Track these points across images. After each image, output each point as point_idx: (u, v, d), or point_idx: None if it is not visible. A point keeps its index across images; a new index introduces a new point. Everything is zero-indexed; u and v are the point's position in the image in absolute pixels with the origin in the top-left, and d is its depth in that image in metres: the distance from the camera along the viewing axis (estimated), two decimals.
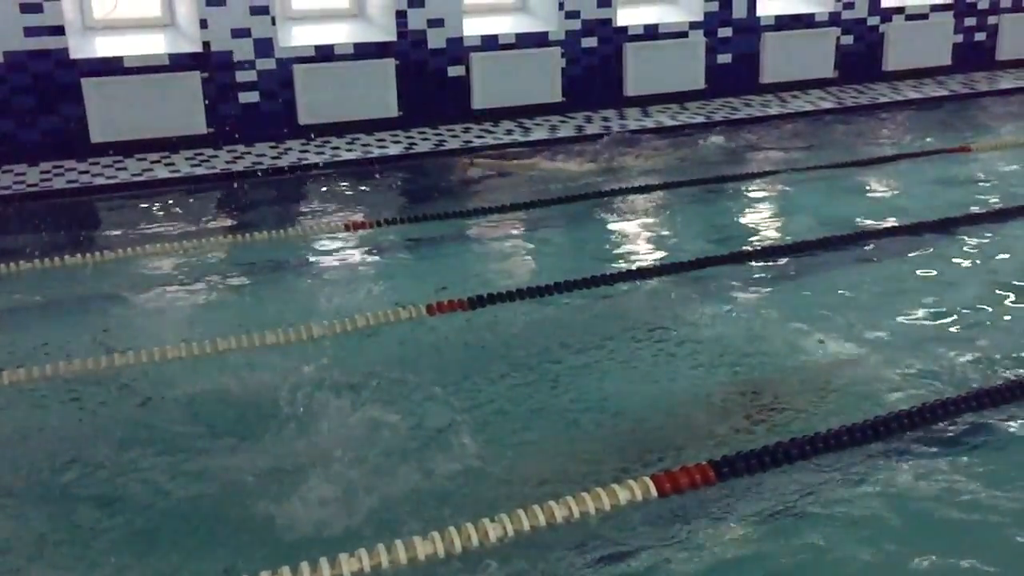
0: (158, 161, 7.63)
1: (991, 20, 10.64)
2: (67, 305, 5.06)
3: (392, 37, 8.42)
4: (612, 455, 3.39)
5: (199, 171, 7.42)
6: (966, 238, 5.65)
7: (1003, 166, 7.41)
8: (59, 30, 7.47)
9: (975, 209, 6.16)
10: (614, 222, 6.32)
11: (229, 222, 6.55)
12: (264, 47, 8.03)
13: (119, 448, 3.53)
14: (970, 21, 10.56)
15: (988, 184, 6.93)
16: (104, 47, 7.86)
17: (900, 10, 10.25)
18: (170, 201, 6.88)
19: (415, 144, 8.09)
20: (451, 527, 2.83)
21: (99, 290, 5.24)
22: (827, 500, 3.11)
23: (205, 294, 5.17)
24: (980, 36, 10.66)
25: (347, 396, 3.77)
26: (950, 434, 3.48)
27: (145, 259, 5.59)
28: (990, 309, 4.62)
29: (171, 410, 3.83)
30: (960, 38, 10.54)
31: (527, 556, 2.84)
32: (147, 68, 7.74)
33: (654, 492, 2.99)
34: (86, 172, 7.37)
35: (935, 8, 10.41)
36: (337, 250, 5.76)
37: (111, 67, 7.66)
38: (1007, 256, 5.37)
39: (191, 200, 6.95)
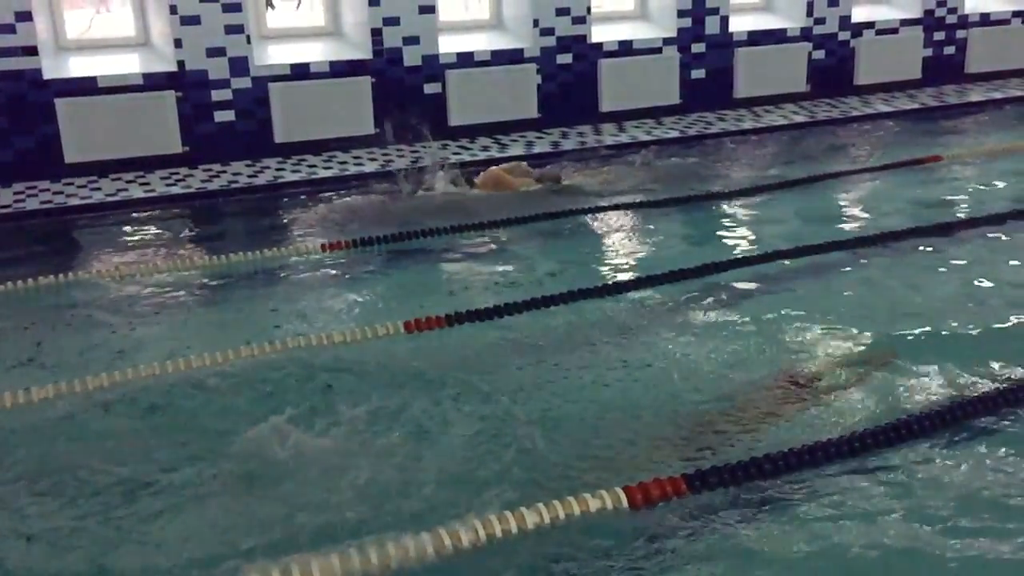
0: (133, 181, 7.61)
1: (960, 34, 10.80)
2: (38, 328, 5.03)
3: (368, 55, 8.46)
4: (583, 465, 3.41)
5: (174, 190, 7.41)
6: (941, 244, 5.72)
7: (974, 174, 7.53)
8: (32, 50, 7.46)
9: (949, 216, 6.24)
10: (593, 238, 6.36)
11: (204, 241, 6.54)
12: (239, 66, 8.04)
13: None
14: (939, 35, 10.71)
15: (960, 191, 7.04)
16: (78, 67, 7.85)
17: (870, 25, 10.39)
18: (146, 220, 6.88)
19: (391, 161, 8.11)
20: (423, 533, 2.83)
21: (73, 311, 5.21)
22: (795, 515, 3.13)
23: (179, 314, 5.15)
24: (949, 50, 10.81)
25: (320, 411, 3.78)
26: (928, 447, 3.49)
27: (120, 279, 5.56)
28: (967, 315, 4.65)
29: (146, 424, 3.81)
30: (930, 52, 10.68)
31: (498, 561, 2.85)
32: (121, 88, 7.73)
33: (625, 503, 3.01)
34: (60, 192, 7.34)
35: (905, 23, 10.55)
36: (314, 269, 5.76)
37: (85, 87, 7.65)
38: (983, 260, 5.43)
39: (167, 219, 6.94)
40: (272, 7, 8.71)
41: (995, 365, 4.07)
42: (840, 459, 3.38)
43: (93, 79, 7.69)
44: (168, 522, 3.18)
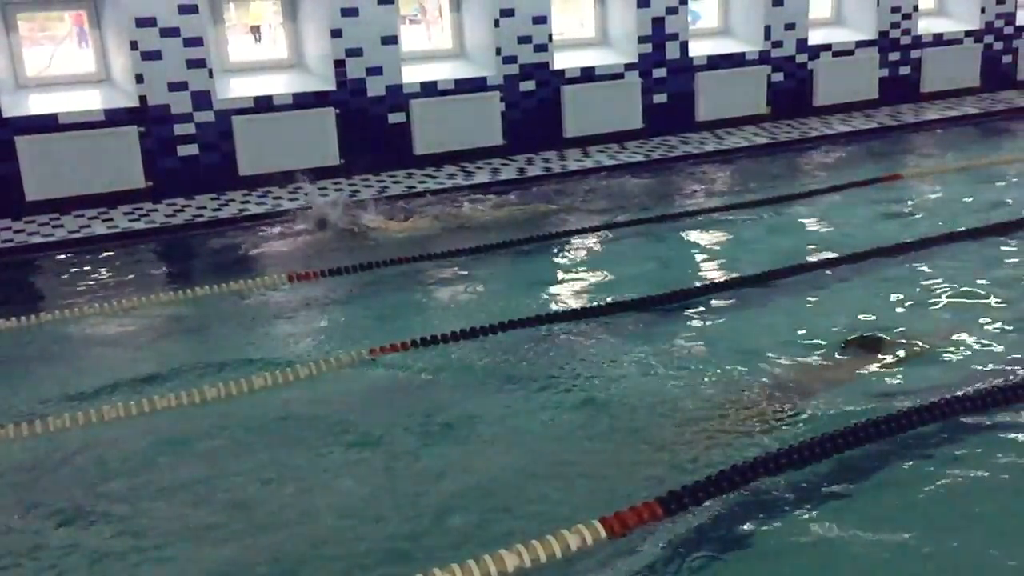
0: (96, 217, 7.53)
1: (914, 55, 11.02)
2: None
3: (331, 86, 8.46)
4: (559, 492, 3.41)
5: (138, 226, 7.34)
6: (905, 261, 5.78)
7: (933, 191, 7.66)
8: None
9: (911, 234, 6.31)
10: (556, 264, 6.39)
11: (169, 276, 6.47)
12: (202, 100, 8.01)
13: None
14: (894, 56, 10.92)
15: (923, 208, 7.17)
16: (38, 104, 7.78)
17: (827, 47, 10.57)
18: (109, 257, 6.80)
19: (358, 191, 8.10)
20: None
21: (37, 351, 5.13)
22: (767, 526, 3.16)
23: (145, 350, 5.09)
24: (904, 70, 11.02)
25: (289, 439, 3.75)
26: (901, 453, 3.54)
27: (84, 318, 5.48)
28: (930, 331, 4.71)
29: (116, 469, 3.76)
30: (885, 72, 10.89)
31: None
32: (83, 124, 7.67)
33: (603, 534, 3.00)
34: (21, 231, 7.25)
35: (860, 44, 10.75)
36: (280, 300, 5.72)
37: (45, 124, 7.58)
38: (947, 276, 5.49)
39: (131, 256, 6.86)
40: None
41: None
42: (791, 468, 3.41)
43: (54, 116, 7.62)
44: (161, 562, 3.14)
